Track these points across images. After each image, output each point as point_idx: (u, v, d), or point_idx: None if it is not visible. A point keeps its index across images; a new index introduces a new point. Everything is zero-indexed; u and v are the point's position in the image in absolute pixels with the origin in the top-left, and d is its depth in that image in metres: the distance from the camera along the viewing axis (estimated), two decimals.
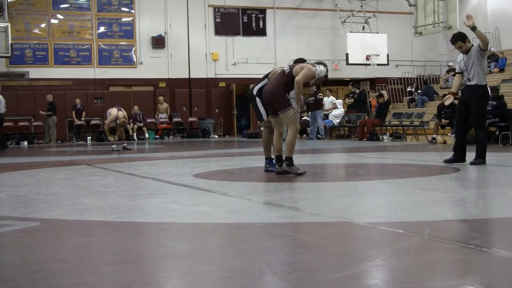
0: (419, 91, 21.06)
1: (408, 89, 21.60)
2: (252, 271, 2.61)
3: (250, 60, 22.79)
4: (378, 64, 21.50)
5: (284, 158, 6.48)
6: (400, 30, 23.46)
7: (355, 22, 22.09)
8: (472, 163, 7.22)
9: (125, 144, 13.72)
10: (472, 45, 7.41)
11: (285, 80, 6.46)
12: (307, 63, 6.77)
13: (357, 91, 19.43)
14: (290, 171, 6.37)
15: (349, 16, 22.05)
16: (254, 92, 6.99)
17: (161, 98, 21.12)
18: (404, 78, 23.61)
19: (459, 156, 7.39)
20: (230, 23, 22.82)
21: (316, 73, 6.56)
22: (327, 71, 6.73)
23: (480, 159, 7.25)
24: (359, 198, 5.06)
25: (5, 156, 12.72)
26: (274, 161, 6.91)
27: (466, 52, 7.34)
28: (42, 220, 3.97)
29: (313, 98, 17.28)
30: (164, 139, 20.60)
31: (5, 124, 19.57)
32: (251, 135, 20.08)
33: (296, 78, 6.33)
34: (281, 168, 6.47)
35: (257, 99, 6.94)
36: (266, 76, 7.02)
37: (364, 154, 9.54)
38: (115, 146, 13.24)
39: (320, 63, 6.71)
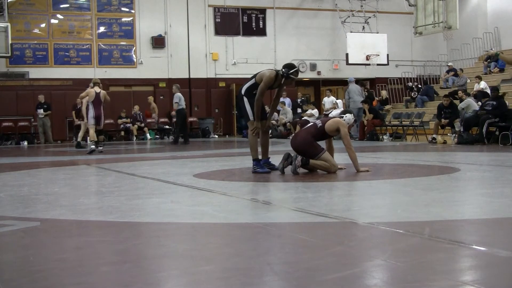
0: (420, 91, 21.04)
1: (409, 84, 21.56)
2: (252, 271, 2.61)
3: (250, 60, 22.77)
4: (378, 64, 21.48)
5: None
6: (400, 30, 23.46)
7: (355, 22, 22.08)
8: None
9: (101, 148, 12.66)
10: None
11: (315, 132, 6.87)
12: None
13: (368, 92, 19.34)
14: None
15: (349, 16, 22.04)
16: (242, 92, 7.09)
17: (150, 98, 20.77)
18: (404, 78, 23.61)
19: None
20: (230, 23, 22.81)
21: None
22: (297, 72, 7.07)
23: None
24: (359, 198, 5.07)
25: (5, 156, 12.72)
26: (261, 162, 6.95)
27: None
28: (42, 220, 3.97)
29: None
30: (164, 139, 20.59)
31: (5, 124, 19.65)
32: None
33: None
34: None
35: (245, 99, 7.04)
36: (254, 76, 7.07)
37: (364, 154, 9.53)
38: (94, 147, 12.40)
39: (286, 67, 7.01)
